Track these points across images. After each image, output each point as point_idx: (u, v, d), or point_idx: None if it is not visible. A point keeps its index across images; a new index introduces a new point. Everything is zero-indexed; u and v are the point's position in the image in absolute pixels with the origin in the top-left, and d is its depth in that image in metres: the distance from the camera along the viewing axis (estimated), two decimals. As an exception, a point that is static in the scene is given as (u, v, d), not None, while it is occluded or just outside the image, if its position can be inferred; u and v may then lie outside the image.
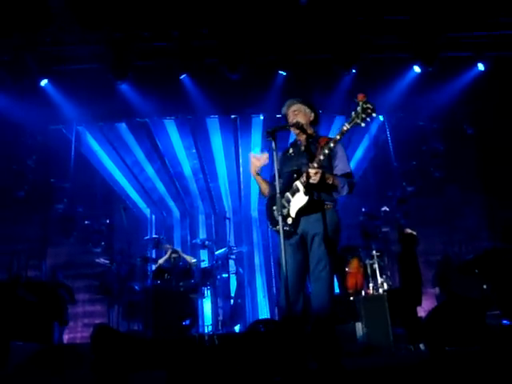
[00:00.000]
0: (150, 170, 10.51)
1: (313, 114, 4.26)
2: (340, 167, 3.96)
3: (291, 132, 4.28)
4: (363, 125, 3.60)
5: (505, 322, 6.79)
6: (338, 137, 3.69)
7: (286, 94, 9.01)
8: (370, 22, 8.35)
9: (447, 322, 2.74)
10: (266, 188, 4.21)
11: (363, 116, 3.58)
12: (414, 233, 6.73)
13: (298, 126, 4.05)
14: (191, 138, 10.10)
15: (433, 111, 10.15)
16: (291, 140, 4.40)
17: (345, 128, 3.65)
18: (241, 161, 10.44)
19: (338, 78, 9.21)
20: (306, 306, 3.84)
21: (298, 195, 3.80)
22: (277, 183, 3.51)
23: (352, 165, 10.29)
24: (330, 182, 3.83)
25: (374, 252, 7.64)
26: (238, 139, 10.27)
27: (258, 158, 4.09)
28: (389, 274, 7.74)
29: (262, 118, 9.83)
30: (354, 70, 8.89)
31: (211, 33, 8.24)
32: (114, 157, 10.29)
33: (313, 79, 9.11)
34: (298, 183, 3.82)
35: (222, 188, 10.70)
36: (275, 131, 3.65)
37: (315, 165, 3.71)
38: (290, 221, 3.78)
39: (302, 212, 3.80)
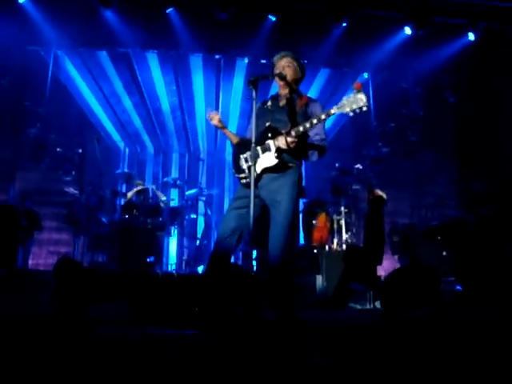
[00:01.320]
0: (127, 103, 10.33)
1: (301, 74, 4.18)
2: (318, 137, 3.91)
3: (272, 85, 4.24)
4: (351, 114, 3.46)
5: (458, 287, 7.08)
6: (323, 116, 3.60)
7: (274, 40, 8.96)
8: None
9: (403, 287, 2.82)
10: (234, 139, 4.22)
11: (353, 107, 3.44)
12: (384, 195, 6.80)
13: (283, 77, 3.98)
14: (172, 74, 9.92)
15: (418, 75, 10.15)
16: (271, 93, 4.31)
17: (332, 111, 3.55)
18: (220, 102, 10.34)
19: (327, 30, 9.10)
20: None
21: (267, 154, 3.79)
22: (253, 133, 3.48)
23: (331, 119, 10.42)
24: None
25: (343, 208, 7.71)
26: (220, 80, 10.13)
27: (212, 116, 4.20)
28: (354, 231, 7.87)
29: (246, 61, 9.67)
30: (344, 24, 8.78)
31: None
32: (92, 85, 10.07)
33: (302, 28, 8.94)
34: (271, 143, 3.79)
35: (199, 128, 10.60)
36: (257, 80, 3.58)
37: (293, 134, 3.67)
38: (254, 175, 3.76)
39: (266, 170, 3.83)
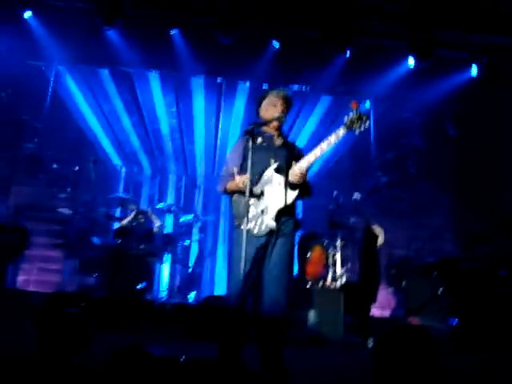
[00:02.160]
0: (126, 122, 10.23)
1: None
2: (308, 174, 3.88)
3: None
4: (357, 132, 3.55)
5: (453, 322, 7.01)
6: (333, 139, 3.62)
7: (276, 66, 8.95)
8: (369, 7, 8.24)
9: (396, 353, 2.71)
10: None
11: (359, 123, 3.52)
12: (381, 234, 6.71)
13: (282, 120, 3.92)
14: (173, 95, 9.87)
15: (419, 106, 10.10)
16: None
17: (341, 132, 3.59)
18: (220, 126, 10.27)
19: (330, 58, 9.05)
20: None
21: (283, 193, 3.70)
22: (247, 191, 3.37)
23: (331, 148, 10.35)
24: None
25: (339, 242, 7.63)
26: (221, 104, 10.08)
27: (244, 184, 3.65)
28: (349, 265, 7.76)
29: (248, 85, 9.63)
30: (348, 53, 8.77)
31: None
32: (92, 103, 9.98)
33: (305, 55, 9.01)
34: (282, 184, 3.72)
35: (197, 152, 10.51)
36: (254, 129, 3.52)
37: (304, 165, 3.66)
38: (268, 219, 3.66)
39: (280, 213, 3.69)
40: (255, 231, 3.64)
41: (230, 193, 3.82)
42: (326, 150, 3.65)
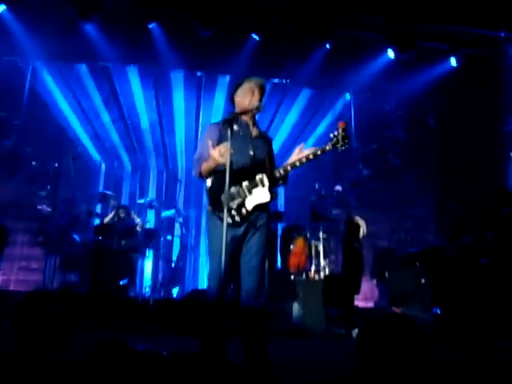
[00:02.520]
0: (105, 118, 10.13)
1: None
2: None
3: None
4: (339, 151, 3.64)
5: (436, 310, 7.07)
6: (319, 152, 3.66)
7: (257, 59, 8.88)
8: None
9: (381, 343, 2.70)
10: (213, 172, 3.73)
11: (341, 143, 3.63)
12: (363, 225, 6.70)
13: (259, 110, 3.87)
14: (153, 90, 9.77)
15: (400, 98, 10.17)
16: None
17: (327, 148, 3.66)
18: (201, 120, 10.21)
19: (310, 51, 9.04)
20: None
21: (261, 190, 3.66)
22: (227, 183, 3.32)
23: (313, 140, 10.38)
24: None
25: (321, 234, 7.63)
26: (201, 98, 10.01)
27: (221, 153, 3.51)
28: (333, 257, 7.78)
29: (228, 79, 9.57)
30: (328, 45, 8.75)
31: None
32: (70, 99, 9.86)
33: (285, 48, 8.99)
34: (264, 179, 3.68)
35: (178, 146, 10.45)
36: (233, 119, 3.48)
37: (289, 168, 3.70)
38: (244, 212, 3.64)
39: (258, 206, 3.68)
40: (229, 220, 3.60)
41: (207, 174, 3.72)
42: (311, 160, 3.69)
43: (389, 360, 2.72)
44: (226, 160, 3.38)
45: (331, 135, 3.66)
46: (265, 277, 3.72)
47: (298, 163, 3.67)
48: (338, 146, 3.63)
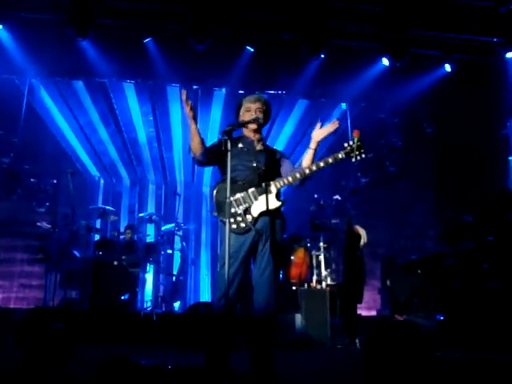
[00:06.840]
0: (103, 133, 10.15)
1: (267, 120, 4.10)
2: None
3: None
4: (353, 160, 3.65)
5: (439, 317, 7.06)
6: (331, 160, 3.67)
7: (252, 71, 8.92)
8: (342, 8, 8.26)
9: (387, 351, 2.70)
10: (198, 143, 3.79)
11: (357, 153, 3.63)
12: (364, 234, 6.71)
13: (259, 122, 3.90)
14: (149, 104, 9.80)
15: (395, 106, 10.18)
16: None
17: (340, 156, 3.67)
18: (198, 133, 10.19)
19: (305, 61, 9.08)
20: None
21: (268, 197, 3.69)
22: (228, 189, 3.34)
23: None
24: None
25: (322, 244, 7.62)
26: (198, 111, 10.02)
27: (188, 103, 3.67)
28: (334, 267, 7.75)
29: (224, 91, 9.60)
30: (322, 56, 8.79)
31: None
32: (67, 115, 9.88)
33: (280, 59, 9.01)
34: (272, 186, 3.73)
35: (176, 160, 10.46)
36: (232, 130, 3.51)
37: (298, 176, 3.68)
38: (249, 218, 3.65)
39: (264, 213, 3.70)
40: (234, 226, 3.64)
41: (196, 148, 3.77)
42: (321, 169, 3.69)
43: (396, 368, 2.71)
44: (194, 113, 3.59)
45: (345, 144, 3.66)
46: (276, 287, 3.72)
47: (314, 167, 3.67)
48: (352, 155, 3.63)
